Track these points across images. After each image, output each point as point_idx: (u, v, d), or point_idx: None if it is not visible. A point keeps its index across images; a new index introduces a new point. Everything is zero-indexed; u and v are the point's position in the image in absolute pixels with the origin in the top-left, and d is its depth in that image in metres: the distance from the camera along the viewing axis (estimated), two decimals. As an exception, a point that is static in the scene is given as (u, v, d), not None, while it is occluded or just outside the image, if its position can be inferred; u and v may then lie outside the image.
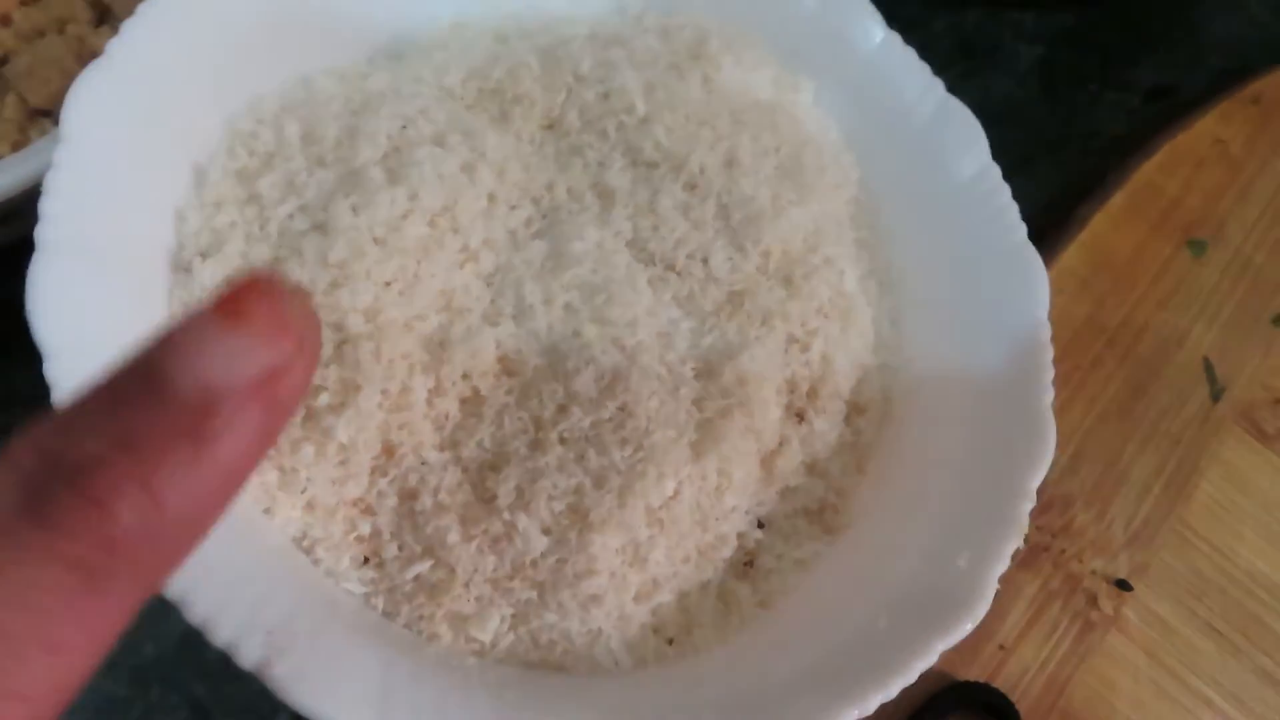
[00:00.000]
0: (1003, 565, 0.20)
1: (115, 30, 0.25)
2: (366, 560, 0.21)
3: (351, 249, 0.21)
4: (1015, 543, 0.21)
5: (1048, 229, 0.33)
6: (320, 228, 0.22)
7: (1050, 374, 0.23)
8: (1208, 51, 0.38)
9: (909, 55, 0.26)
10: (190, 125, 0.22)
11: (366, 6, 0.26)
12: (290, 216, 0.22)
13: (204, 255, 0.21)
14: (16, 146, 0.24)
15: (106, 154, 0.20)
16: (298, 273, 0.21)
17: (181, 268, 0.21)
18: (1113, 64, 0.36)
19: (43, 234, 0.19)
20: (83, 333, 0.18)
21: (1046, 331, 0.23)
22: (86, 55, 0.25)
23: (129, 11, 0.25)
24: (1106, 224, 0.32)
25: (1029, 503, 0.21)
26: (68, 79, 0.24)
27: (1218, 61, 0.38)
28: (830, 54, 0.27)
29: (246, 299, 0.13)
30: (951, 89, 0.26)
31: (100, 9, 0.27)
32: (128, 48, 0.21)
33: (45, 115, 0.25)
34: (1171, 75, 0.37)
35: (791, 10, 0.27)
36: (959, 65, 0.32)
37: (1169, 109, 0.36)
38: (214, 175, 0.22)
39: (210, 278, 0.21)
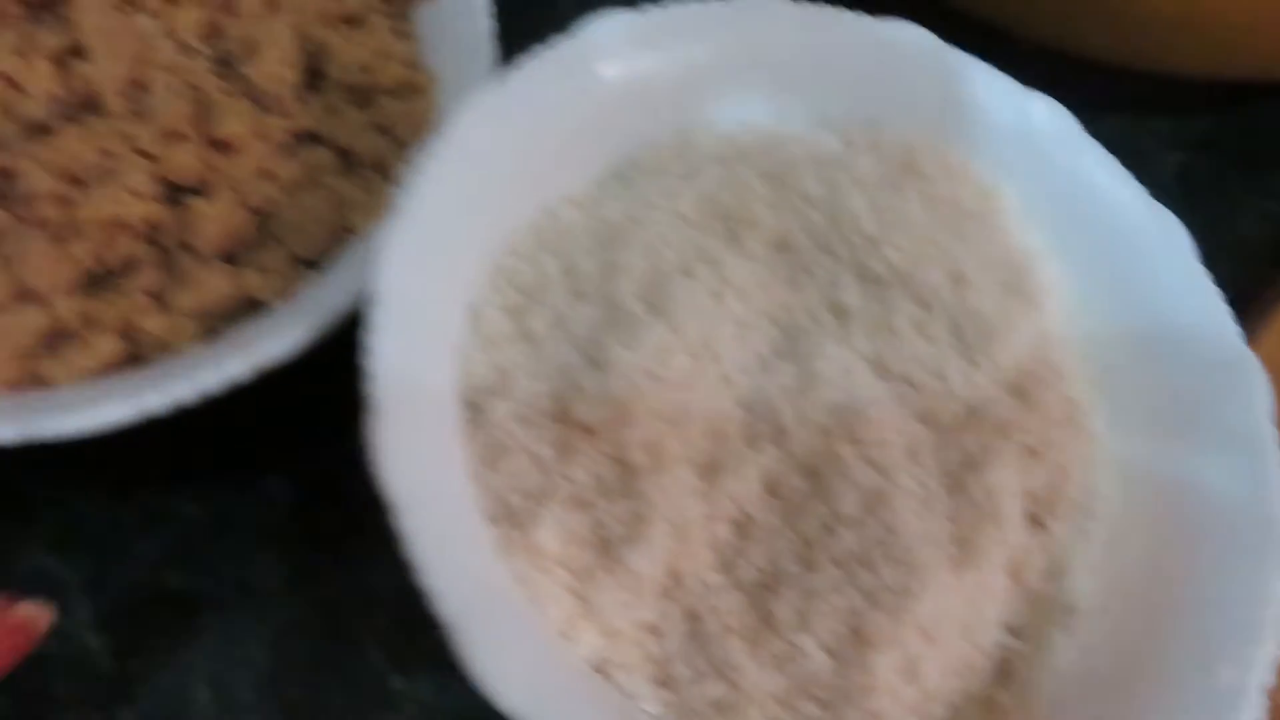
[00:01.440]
0: (1264, 676, 0.21)
1: (361, 179, 0.27)
2: (660, 681, 0.22)
3: (629, 386, 0.23)
4: (1273, 650, 0.22)
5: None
6: (594, 363, 0.23)
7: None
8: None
9: (1109, 160, 0.28)
10: (465, 266, 0.24)
11: (593, 134, 0.27)
12: (562, 353, 0.23)
13: (492, 393, 0.23)
14: (285, 296, 0.25)
15: (412, 308, 0.22)
16: (583, 410, 0.22)
17: (474, 406, 0.23)
18: (1256, 169, 0.37)
19: (375, 394, 0.20)
20: (423, 481, 0.20)
21: (1273, 437, 0.24)
22: (341, 205, 0.26)
23: (373, 161, 0.27)
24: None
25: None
26: (326, 230, 0.26)
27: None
28: (1030, 161, 0.28)
29: None
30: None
31: (344, 156, 0.27)
32: (416, 202, 0.22)
33: (309, 265, 0.26)
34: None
35: (990, 119, 0.28)
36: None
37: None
38: (488, 313, 0.24)
39: (501, 414, 0.22)
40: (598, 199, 0.27)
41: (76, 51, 0.25)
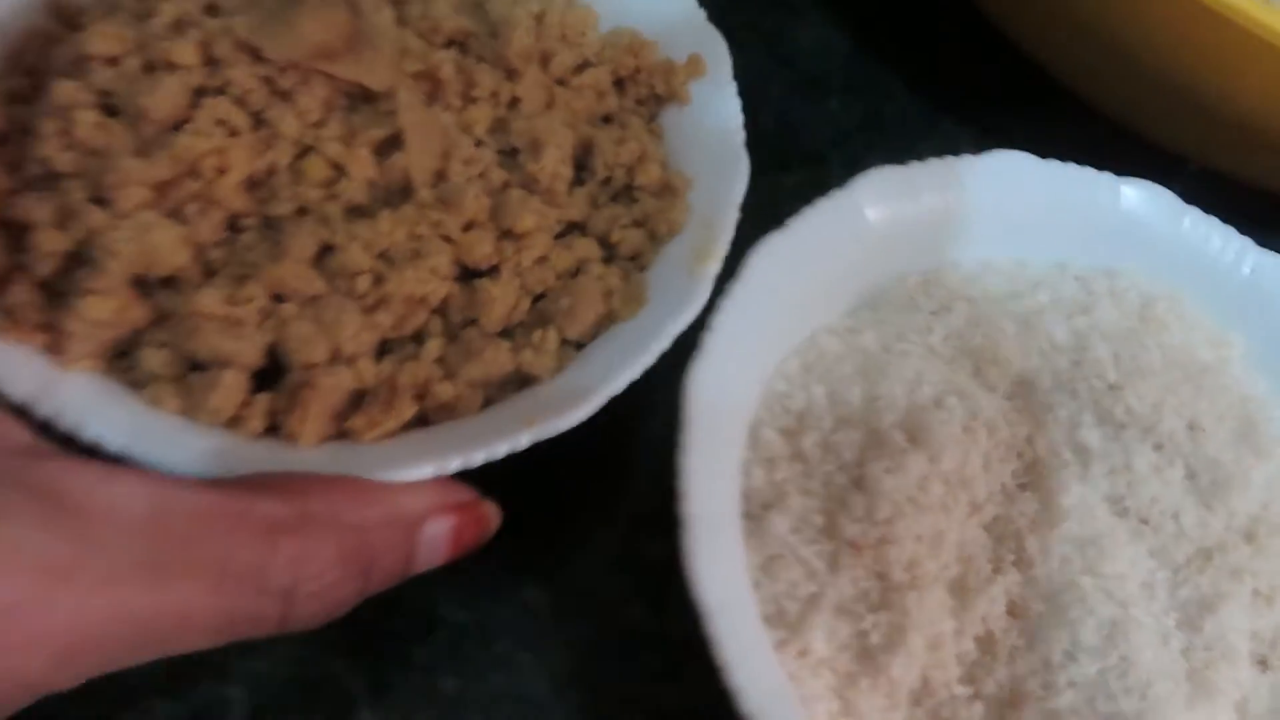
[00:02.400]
0: None
1: (620, 269, 0.29)
2: (907, 778, 0.25)
3: (892, 508, 0.26)
4: None
5: None
6: (858, 485, 0.26)
7: None
8: None
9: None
10: (748, 390, 0.27)
11: (854, 270, 0.30)
12: (830, 474, 0.27)
13: (767, 507, 0.26)
14: (555, 374, 0.28)
15: (712, 431, 0.25)
16: (849, 526, 0.26)
17: (753, 517, 0.26)
18: None
19: (687, 510, 0.24)
20: (724, 589, 0.23)
21: None
22: (605, 293, 0.29)
23: (631, 253, 0.30)
24: None
25: None
26: (593, 315, 0.28)
27: None
28: (1256, 309, 0.30)
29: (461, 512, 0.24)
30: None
31: (605, 247, 0.30)
32: (718, 336, 0.26)
33: (575, 346, 0.29)
34: None
35: (1219, 269, 0.31)
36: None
37: None
38: (765, 434, 0.27)
39: (780, 527, 0.26)
40: (853, 328, 0.30)
41: (392, 142, 0.28)
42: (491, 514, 0.25)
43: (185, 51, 0.26)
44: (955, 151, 0.40)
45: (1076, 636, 0.25)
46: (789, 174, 0.39)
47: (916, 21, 0.43)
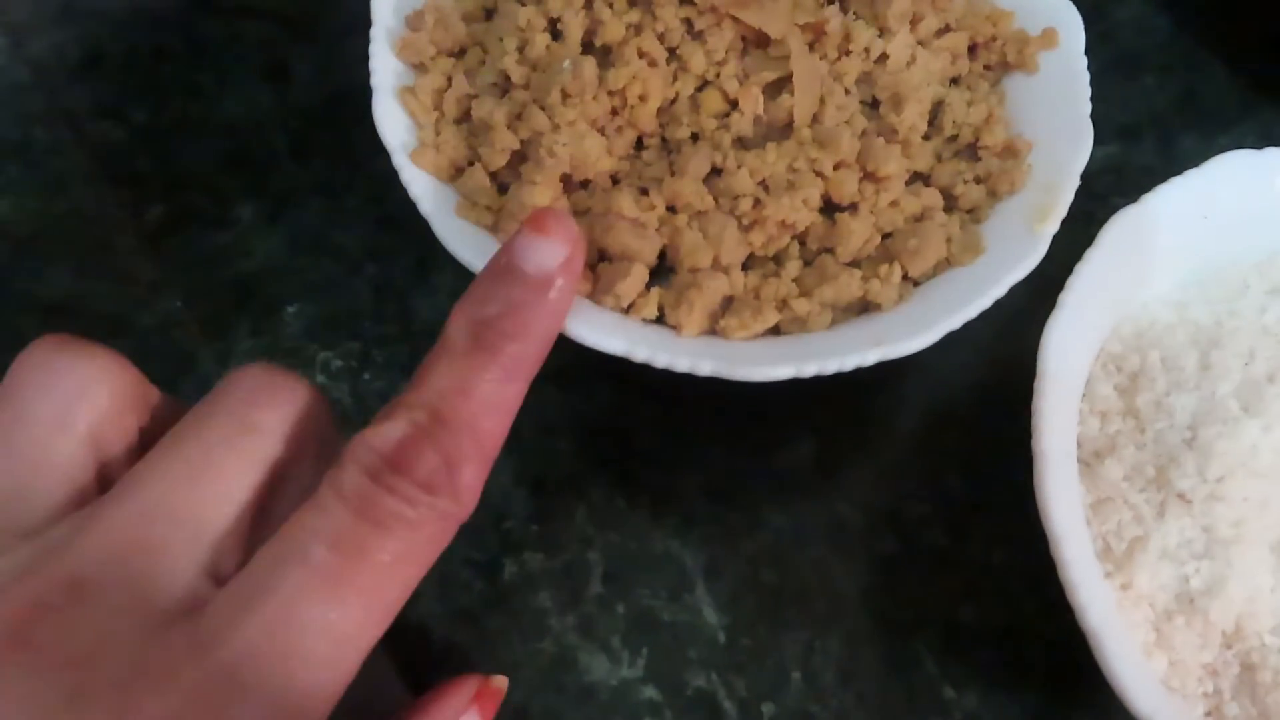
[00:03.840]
0: None
1: (959, 220, 0.31)
2: (1208, 714, 0.27)
3: (1224, 469, 0.27)
4: None
5: None
6: (1193, 446, 0.28)
7: None
8: None
9: None
10: (1090, 348, 0.29)
11: (1190, 246, 0.32)
12: (1162, 431, 0.29)
13: (1100, 455, 0.29)
14: (896, 305, 0.30)
15: (1063, 381, 0.27)
16: (1180, 480, 0.28)
17: (1087, 464, 0.28)
18: None
19: (1040, 446, 0.26)
20: (1067, 519, 0.26)
21: None
22: (946, 240, 0.31)
23: (970, 206, 0.32)
24: None
25: None
26: (933, 258, 0.30)
27: None
28: None
29: (543, 221, 0.24)
30: None
31: (948, 198, 0.32)
32: (1074, 296, 0.28)
33: (914, 283, 0.31)
34: None
35: None
36: None
37: None
38: (1102, 390, 0.29)
39: (1113, 473, 0.28)
40: (1184, 302, 0.31)
41: (778, 85, 0.31)
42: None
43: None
44: (1274, 138, 0.41)
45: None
46: (1102, 147, 0.40)
47: (1239, 3, 0.43)
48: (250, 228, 0.37)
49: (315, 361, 0.35)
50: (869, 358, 0.28)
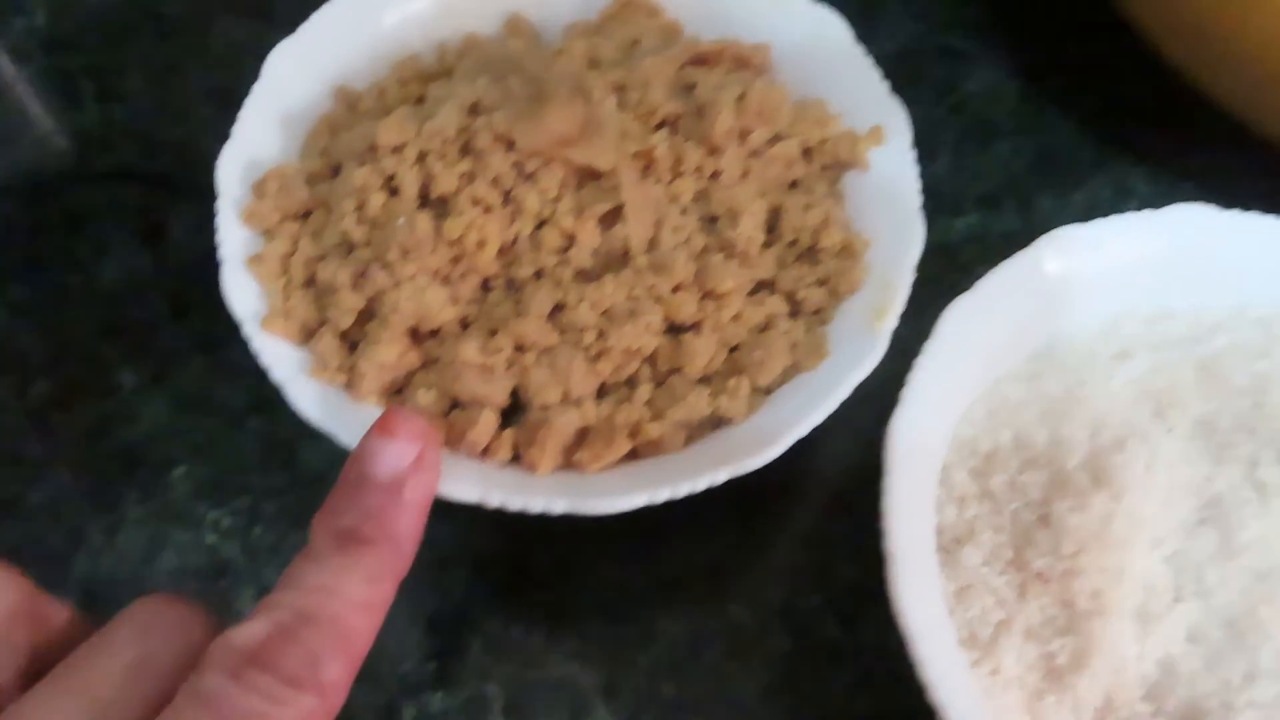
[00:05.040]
0: None
1: (805, 324, 0.32)
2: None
3: (1077, 544, 0.28)
4: None
5: None
6: (1044, 521, 0.29)
7: None
8: None
9: None
10: (940, 437, 0.30)
11: (1034, 319, 0.33)
12: (1018, 511, 0.29)
13: (960, 541, 0.29)
14: (747, 417, 0.31)
15: (910, 474, 0.28)
16: (1037, 560, 0.28)
17: (946, 551, 0.29)
18: None
19: (891, 546, 0.27)
20: (927, 614, 0.26)
21: None
22: (792, 346, 0.32)
23: (814, 309, 0.33)
24: None
25: None
26: (781, 366, 0.31)
27: None
28: None
29: (389, 423, 0.25)
30: None
31: (791, 303, 0.33)
32: (922, 381, 0.29)
33: (764, 392, 0.32)
34: None
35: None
36: None
37: None
38: (957, 475, 0.30)
39: (972, 559, 0.29)
40: (1035, 374, 0.32)
41: (613, 215, 0.32)
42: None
43: (453, 146, 0.31)
44: (1127, 190, 0.42)
45: (1256, 661, 0.27)
46: (962, 217, 0.41)
47: (1086, 64, 0.45)
48: (134, 393, 0.38)
49: (204, 522, 0.35)
50: (719, 477, 0.29)
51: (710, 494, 0.29)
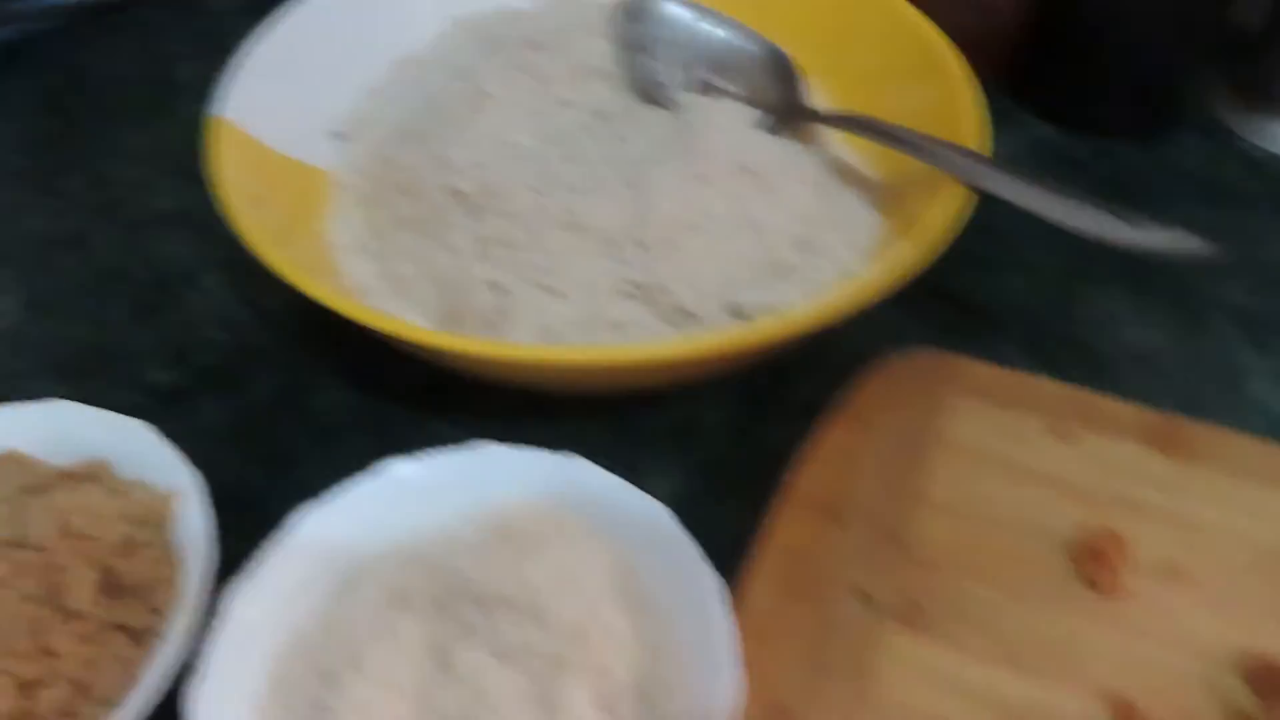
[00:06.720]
0: None
1: (141, 643, 0.41)
2: None
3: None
4: None
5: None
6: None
7: None
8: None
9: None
10: None
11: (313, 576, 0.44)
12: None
13: None
14: None
15: None
16: None
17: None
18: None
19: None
20: None
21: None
22: (129, 665, 0.40)
23: (146, 629, 0.41)
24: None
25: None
26: (124, 686, 0.39)
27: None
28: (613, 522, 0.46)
29: None
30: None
31: (131, 633, 0.42)
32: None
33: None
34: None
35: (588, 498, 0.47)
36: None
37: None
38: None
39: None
40: (330, 613, 0.44)
41: None
42: None
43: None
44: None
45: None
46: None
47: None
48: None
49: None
50: None
51: None
